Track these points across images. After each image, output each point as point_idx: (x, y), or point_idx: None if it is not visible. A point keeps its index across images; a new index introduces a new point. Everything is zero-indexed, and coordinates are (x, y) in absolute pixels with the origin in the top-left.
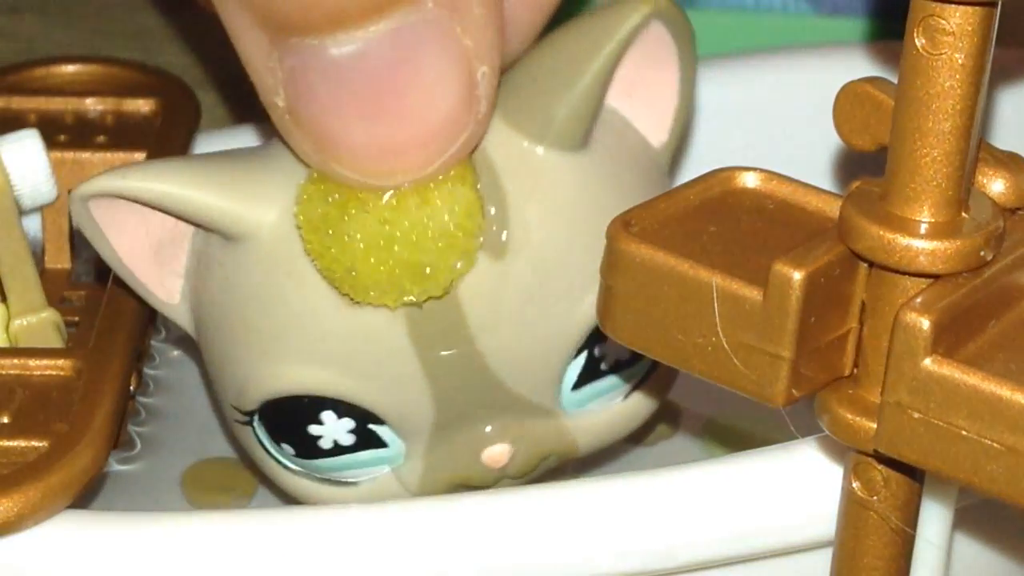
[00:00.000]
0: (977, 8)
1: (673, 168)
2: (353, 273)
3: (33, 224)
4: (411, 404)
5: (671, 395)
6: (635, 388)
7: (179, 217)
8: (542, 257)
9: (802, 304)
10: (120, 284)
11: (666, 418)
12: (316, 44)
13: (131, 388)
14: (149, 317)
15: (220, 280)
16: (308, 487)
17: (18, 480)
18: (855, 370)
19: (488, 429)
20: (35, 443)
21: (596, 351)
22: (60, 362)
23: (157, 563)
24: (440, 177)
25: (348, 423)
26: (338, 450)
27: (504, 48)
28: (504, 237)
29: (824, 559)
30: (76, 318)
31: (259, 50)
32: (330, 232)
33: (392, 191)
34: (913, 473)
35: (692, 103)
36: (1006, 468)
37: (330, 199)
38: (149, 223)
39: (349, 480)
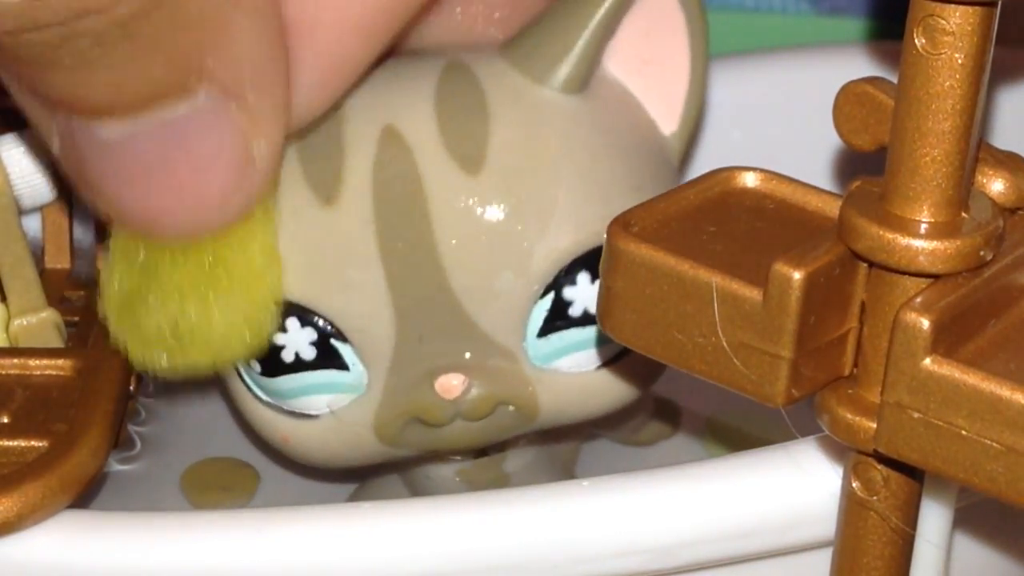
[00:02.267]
0: (977, 8)
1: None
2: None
3: (33, 224)
4: (373, 319)
5: (671, 395)
6: (609, 362)
7: None
8: (517, 181)
9: (802, 304)
10: None
11: (666, 418)
12: (84, 124)
13: (131, 388)
14: None
15: None
16: (274, 420)
17: (18, 480)
18: (855, 370)
19: (446, 359)
20: (35, 443)
21: (565, 294)
22: (60, 362)
23: (157, 563)
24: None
25: (310, 334)
26: (299, 365)
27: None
28: (481, 153)
29: (824, 559)
30: (76, 318)
31: (39, 115)
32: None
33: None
34: (913, 473)
35: (703, 93)
36: (1006, 468)
37: (124, 281)
38: None
39: (311, 413)
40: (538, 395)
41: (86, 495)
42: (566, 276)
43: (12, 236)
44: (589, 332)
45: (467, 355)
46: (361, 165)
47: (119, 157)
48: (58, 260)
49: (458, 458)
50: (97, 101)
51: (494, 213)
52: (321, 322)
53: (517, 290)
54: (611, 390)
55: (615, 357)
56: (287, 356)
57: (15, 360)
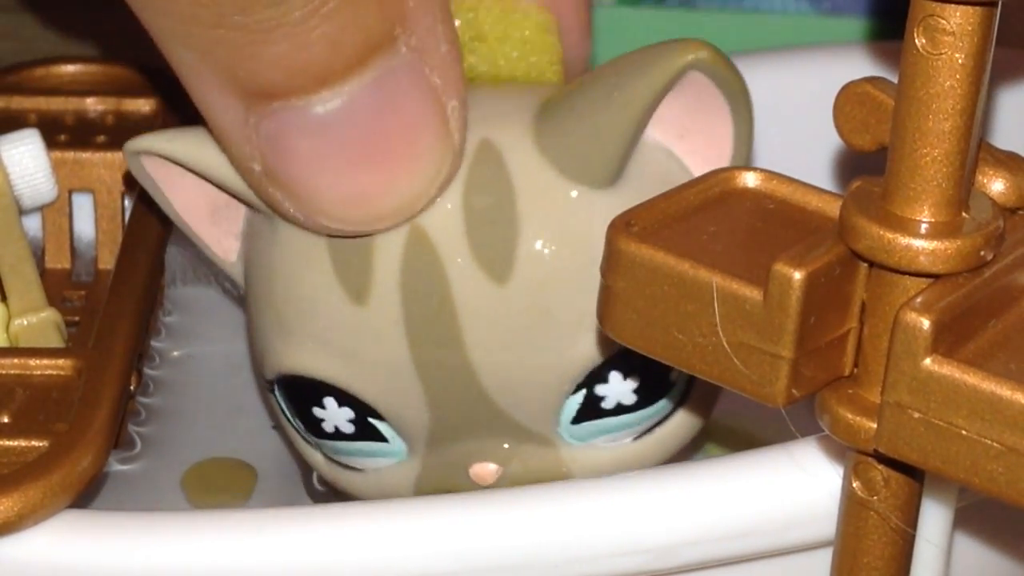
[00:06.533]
0: (977, 8)
1: None
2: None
3: (33, 224)
4: (408, 407)
5: None
6: (645, 434)
7: (218, 186)
8: (546, 290)
9: (802, 304)
10: (120, 283)
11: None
12: (300, 105)
13: (131, 388)
14: (149, 317)
15: (258, 250)
16: (321, 462)
17: (18, 480)
18: (855, 370)
19: (480, 445)
20: (35, 443)
21: (597, 390)
22: (60, 362)
23: (157, 563)
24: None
25: (348, 413)
26: (340, 436)
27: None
28: (509, 262)
29: (824, 559)
30: (76, 318)
31: (234, 120)
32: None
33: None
34: (913, 473)
35: (748, 160)
36: (1006, 468)
37: None
38: (204, 187)
39: (356, 467)
40: (573, 473)
41: (86, 495)
42: (597, 376)
43: (12, 236)
44: (623, 419)
45: (500, 444)
46: (389, 266)
47: (336, 131)
48: (58, 260)
49: None
50: (316, 66)
51: (522, 323)
52: (358, 403)
53: (548, 390)
54: (645, 457)
55: (649, 430)
56: (327, 428)
57: (15, 360)
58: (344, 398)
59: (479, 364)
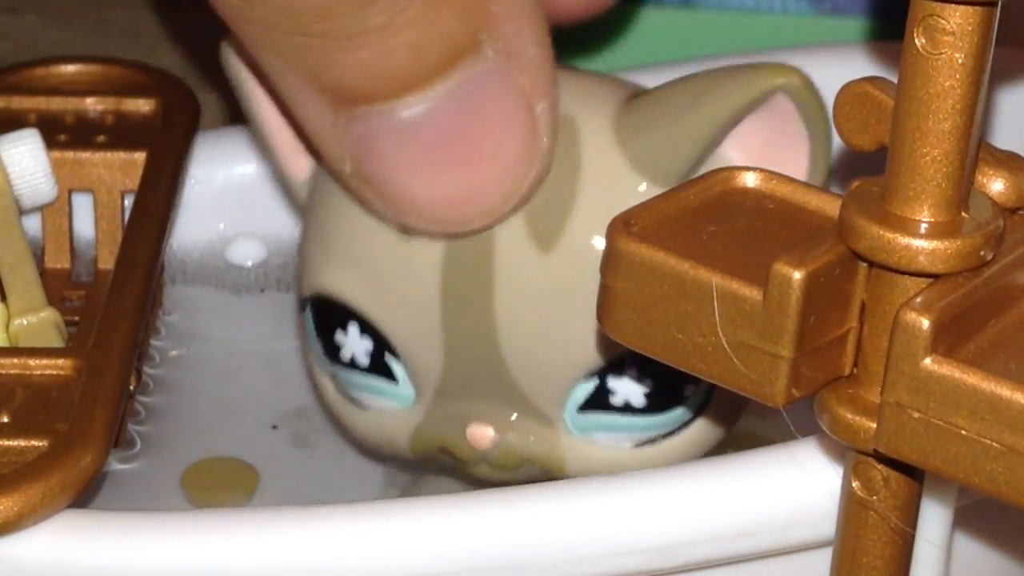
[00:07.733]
0: (977, 8)
1: None
2: None
3: (33, 224)
4: (424, 351)
5: None
6: (650, 442)
7: None
8: (585, 270)
9: (802, 304)
10: (119, 283)
11: None
12: (385, 109)
13: (131, 388)
14: (149, 317)
15: (321, 171)
16: (330, 392)
17: (18, 480)
18: (855, 370)
19: (483, 408)
20: (35, 443)
21: (609, 383)
22: (60, 362)
23: (157, 563)
24: None
25: (367, 344)
26: (354, 365)
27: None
28: (557, 234)
29: (824, 559)
30: (76, 318)
31: (324, 121)
32: None
33: None
34: (913, 473)
35: None
36: (1006, 468)
37: None
38: None
39: (362, 403)
40: (567, 461)
41: (86, 495)
42: (614, 367)
43: (12, 236)
44: (628, 420)
45: (503, 411)
46: None
47: (421, 135)
48: (58, 260)
49: None
50: (400, 72)
51: (555, 296)
52: (378, 335)
53: (563, 369)
54: (641, 468)
55: (651, 440)
56: (344, 356)
57: (15, 360)
58: (367, 328)
59: (502, 326)
